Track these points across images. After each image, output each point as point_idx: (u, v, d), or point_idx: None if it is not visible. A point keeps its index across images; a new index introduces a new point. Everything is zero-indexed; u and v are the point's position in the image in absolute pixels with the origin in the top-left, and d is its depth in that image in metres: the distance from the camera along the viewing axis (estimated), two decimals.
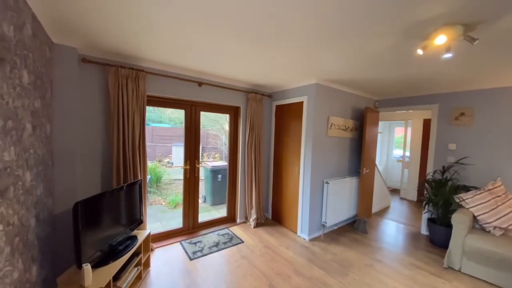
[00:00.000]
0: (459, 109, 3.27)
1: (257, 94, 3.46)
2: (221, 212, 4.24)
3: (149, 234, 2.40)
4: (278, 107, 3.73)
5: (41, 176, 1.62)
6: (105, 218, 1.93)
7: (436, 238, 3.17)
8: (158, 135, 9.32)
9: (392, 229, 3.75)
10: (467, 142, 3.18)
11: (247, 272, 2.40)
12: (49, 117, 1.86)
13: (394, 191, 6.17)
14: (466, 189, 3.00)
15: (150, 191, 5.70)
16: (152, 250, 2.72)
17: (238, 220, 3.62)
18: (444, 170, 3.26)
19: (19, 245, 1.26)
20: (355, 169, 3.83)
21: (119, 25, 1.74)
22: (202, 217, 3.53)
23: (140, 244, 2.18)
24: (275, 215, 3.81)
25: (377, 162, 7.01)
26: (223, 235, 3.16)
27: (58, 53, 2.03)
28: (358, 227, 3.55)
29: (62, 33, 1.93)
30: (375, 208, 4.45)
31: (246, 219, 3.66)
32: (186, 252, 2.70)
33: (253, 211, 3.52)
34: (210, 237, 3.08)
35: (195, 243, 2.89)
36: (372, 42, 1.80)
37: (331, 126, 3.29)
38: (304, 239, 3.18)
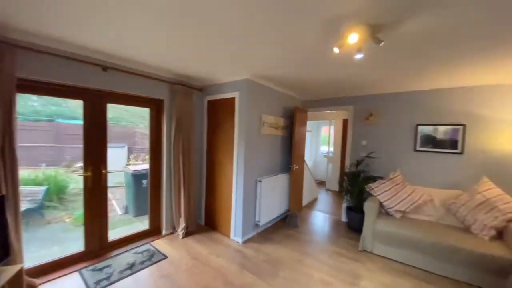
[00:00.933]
0: (368, 110, 3.76)
1: (185, 87, 3.08)
2: (147, 223, 3.64)
3: (20, 269, 1.73)
4: (210, 102, 3.44)
5: None
6: None
7: (353, 224, 3.55)
8: (68, 134, 7.52)
9: (320, 220, 4.04)
10: (374, 138, 3.69)
11: None
12: None
13: (321, 183, 6.82)
14: (374, 179, 3.46)
15: (48, 206, 4.45)
16: None
17: (163, 232, 3.14)
18: (358, 164, 3.69)
19: None
20: (287, 166, 3.93)
21: None
22: (120, 232, 2.91)
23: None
24: (208, 221, 3.51)
25: (306, 158, 7.64)
26: (141, 252, 2.65)
27: None
28: (290, 222, 3.64)
29: None
30: (305, 201, 4.73)
31: (174, 230, 3.22)
32: (86, 284, 2.10)
33: (182, 220, 3.13)
34: (123, 258, 2.53)
35: (101, 269, 2.30)
36: (297, 33, 1.74)
37: (263, 124, 3.24)
38: (237, 242, 3.02)
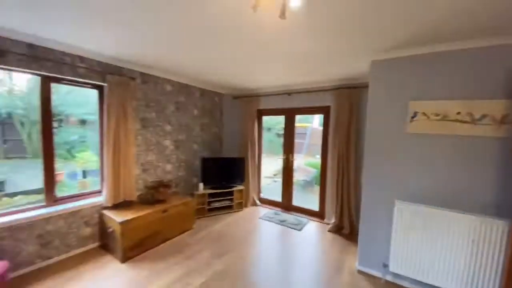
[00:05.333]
0: None
1: (346, 89, 3.18)
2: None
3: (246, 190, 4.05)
4: None
5: None
6: None
7: None
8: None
9: None
10: None
11: None
12: None
13: None
14: None
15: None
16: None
17: (325, 219, 3.59)
18: None
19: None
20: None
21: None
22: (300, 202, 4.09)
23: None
24: None
25: None
26: (299, 221, 3.63)
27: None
28: None
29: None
30: None
31: (335, 220, 3.43)
32: (270, 215, 3.84)
33: (334, 215, 3.30)
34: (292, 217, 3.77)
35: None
36: None
37: (415, 116, 2.02)
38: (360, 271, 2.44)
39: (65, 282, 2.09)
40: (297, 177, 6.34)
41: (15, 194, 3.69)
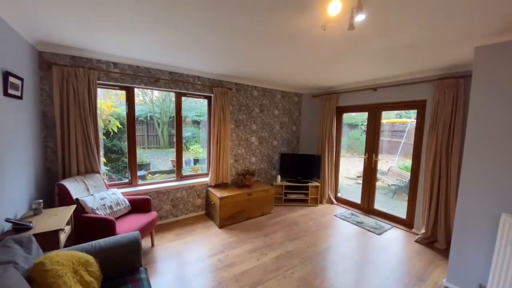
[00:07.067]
0: None
1: (449, 79, 2.71)
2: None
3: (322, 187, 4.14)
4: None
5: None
6: None
7: None
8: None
9: None
10: None
11: None
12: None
13: None
14: None
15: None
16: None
17: (414, 228, 3.16)
18: None
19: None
20: None
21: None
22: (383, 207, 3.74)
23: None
24: None
25: None
26: (382, 226, 3.39)
27: None
28: None
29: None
30: None
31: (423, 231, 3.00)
32: (347, 216, 3.82)
33: (425, 226, 2.88)
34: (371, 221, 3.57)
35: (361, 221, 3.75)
36: None
37: None
38: None
39: (186, 233, 3.06)
40: (388, 181, 5.67)
41: (154, 173, 5.57)
